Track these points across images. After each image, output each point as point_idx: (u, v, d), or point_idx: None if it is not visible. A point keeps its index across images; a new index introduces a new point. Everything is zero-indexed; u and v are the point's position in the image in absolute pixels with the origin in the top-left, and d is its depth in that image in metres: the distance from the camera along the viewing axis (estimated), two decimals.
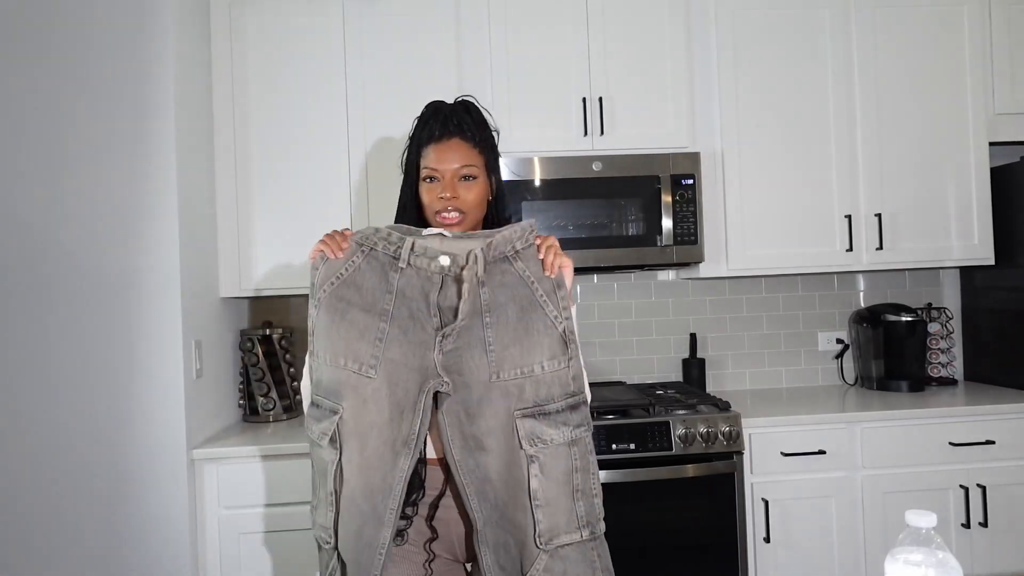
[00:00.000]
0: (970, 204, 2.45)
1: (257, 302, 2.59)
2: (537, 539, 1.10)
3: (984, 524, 2.15)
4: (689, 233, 2.30)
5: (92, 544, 1.91)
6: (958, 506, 2.16)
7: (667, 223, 2.29)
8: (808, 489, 2.14)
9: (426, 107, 1.32)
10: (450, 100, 1.35)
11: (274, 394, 2.37)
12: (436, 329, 1.12)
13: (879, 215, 2.42)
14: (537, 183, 2.26)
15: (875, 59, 2.44)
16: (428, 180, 1.28)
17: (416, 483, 1.21)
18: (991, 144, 2.49)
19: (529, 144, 2.31)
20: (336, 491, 1.13)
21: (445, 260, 1.13)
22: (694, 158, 2.32)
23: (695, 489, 2.06)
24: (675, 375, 2.71)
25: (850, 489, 2.15)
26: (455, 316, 1.11)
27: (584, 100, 2.33)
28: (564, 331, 1.14)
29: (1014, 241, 2.45)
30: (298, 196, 2.30)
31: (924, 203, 2.44)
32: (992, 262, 2.46)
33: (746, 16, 2.42)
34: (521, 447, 1.10)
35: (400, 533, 1.22)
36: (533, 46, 2.35)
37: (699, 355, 2.69)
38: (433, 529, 1.24)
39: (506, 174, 2.25)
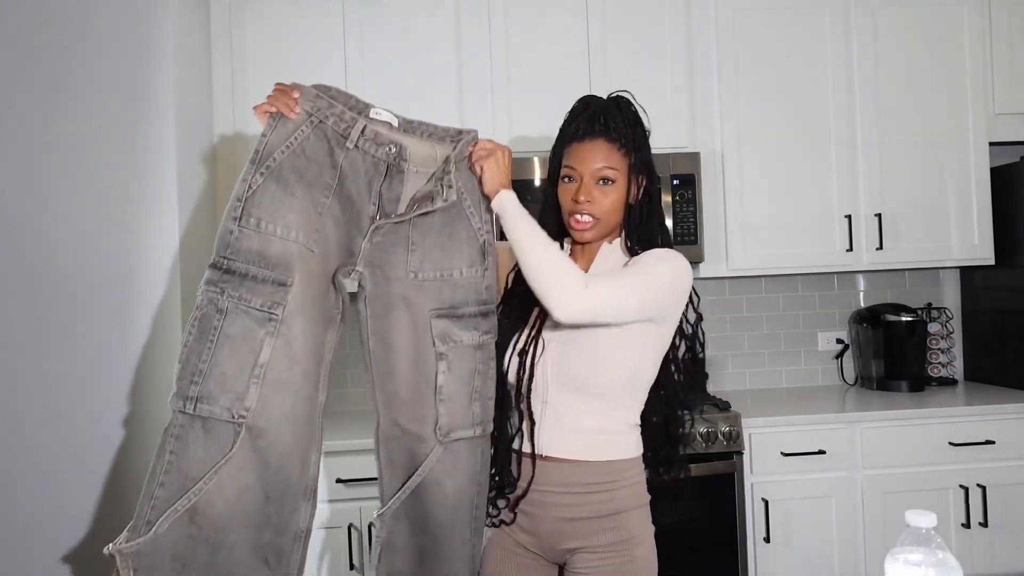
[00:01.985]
0: (970, 204, 2.45)
1: None
2: (437, 431, 1.18)
3: (984, 524, 2.15)
4: (689, 233, 2.30)
5: (92, 544, 1.91)
6: (958, 506, 2.16)
7: (667, 223, 2.29)
8: (808, 489, 2.14)
9: (578, 101, 1.29)
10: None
11: None
12: (371, 218, 1.18)
13: (879, 215, 2.42)
14: (536, 183, 2.26)
15: (875, 59, 2.44)
16: (566, 180, 1.26)
17: (507, 475, 1.24)
18: (991, 144, 2.49)
19: (529, 144, 2.31)
20: (265, 364, 1.10)
21: (392, 148, 1.17)
22: (694, 158, 2.32)
23: (695, 489, 2.05)
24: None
25: (850, 489, 2.15)
26: (396, 208, 1.17)
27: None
28: (484, 243, 1.21)
29: (1014, 241, 2.45)
30: None
31: (924, 203, 2.44)
32: (992, 262, 2.46)
33: (746, 16, 2.42)
34: (433, 344, 1.16)
35: (493, 519, 1.28)
36: (533, 45, 2.35)
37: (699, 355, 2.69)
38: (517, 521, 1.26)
39: None
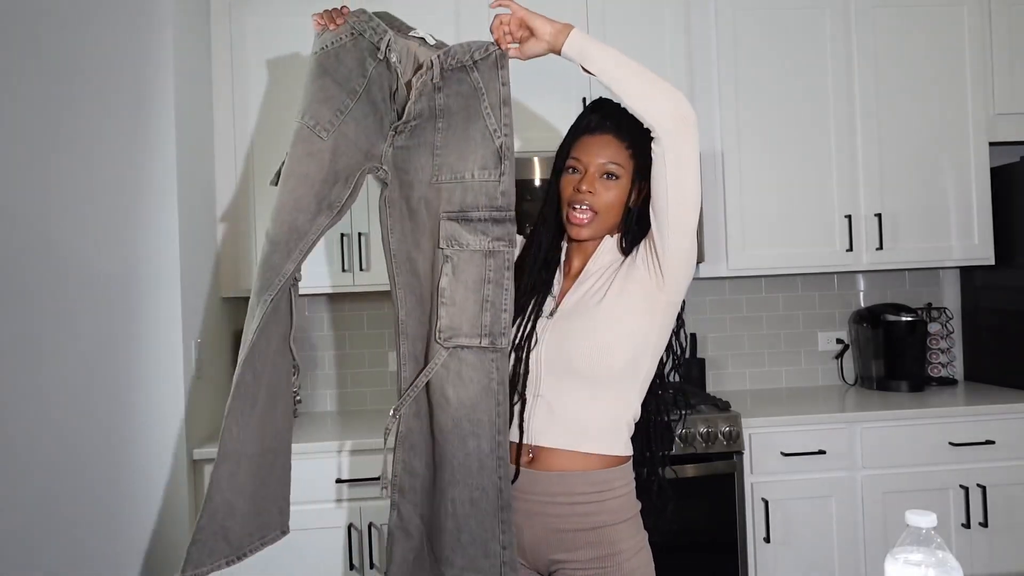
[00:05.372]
0: (970, 204, 2.45)
1: None
2: (437, 334, 1.17)
3: (984, 524, 2.15)
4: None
5: (92, 544, 1.91)
6: (958, 506, 2.16)
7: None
8: (808, 489, 2.14)
9: (592, 102, 1.31)
10: None
11: None
12: (391, 123, 1.20)
13: (879, 215, 2.42)
14: (537, 183, 2.26)
15: (875, 59, 2.44)
16: (570, 171, 1.25)
17: None
18: (991, 144, 2.49)
19: (529, 144, 2.31)
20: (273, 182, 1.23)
21: (393, 57, 1.20)
22: None
23: (695, 489, 2.06)
24: (675, 375, 2.71)
25: (850, 489, 2.15)
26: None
27: (584, 100, 2.32)
28: (501, 146, 1.18)
29: (1014, 241, 2.45)
30: None
31: (924, 203, 2.44)
32: (992, 262, 2.46)
33: (746, 16, 2.42)
34: (440, 247, 1.17)
35: None
36: None
37: (699, 355, 2.69)
38: None
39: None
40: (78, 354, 1.91)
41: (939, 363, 2.71)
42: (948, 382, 2.63)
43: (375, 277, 2.31)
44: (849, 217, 2.42)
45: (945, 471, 2.17)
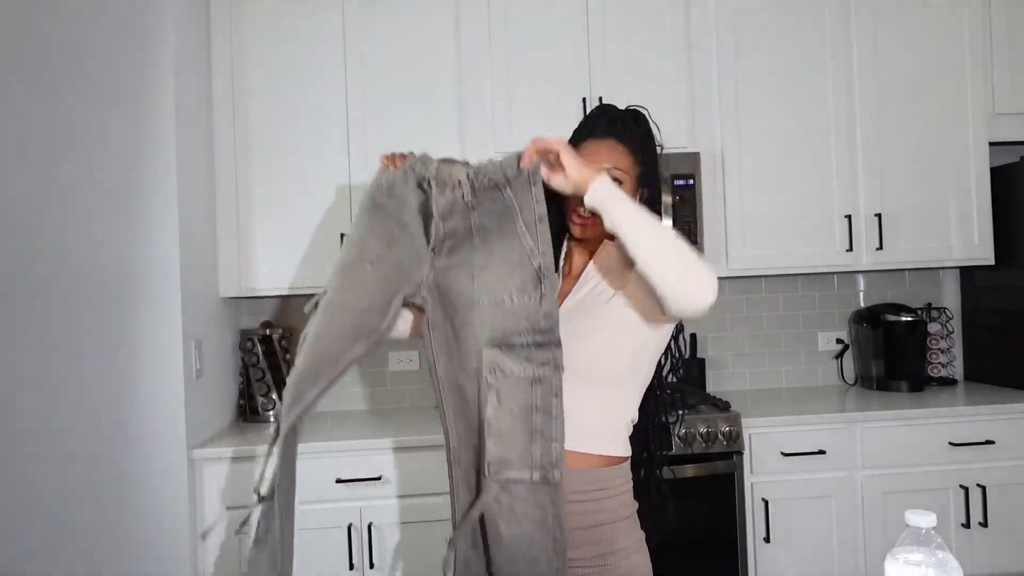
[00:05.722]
0: (970, 204, 2.45)
1: (257, 302, 2.59)
2: (487, 467, 1.10)
3: (984, 524, 2.15)
4: (689, 233, 2.30)
5: (92, 544, 1.91)
6: (958, 506, 2.16)
7: (667, 223, 2.29)
8: (808, 489, 2.14)
9: (596, 107, 1.31)
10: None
11: (274, 394, 2.37)
12: (432, 248, 1.18)
13: (879, 215, 2.42)
14: None
15: (875, 59, 2.44)
16: None
17: None
18: (991, 144, 2.49)
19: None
20: (301, 344, 1.23)
21: (435, 183, 1.18)
22: (694, 158, 2.32)
23: (695, 489, 2.06)
24: (672, 376, 2.71)
25: (850, 489, 2.15)
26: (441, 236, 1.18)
27: (584, 100, 2.33)
28: (539, 266, 1.11)
29: (1014, 241, 2.45)
30: (298, 195, 2.30)
31: (924, 203, 2.44)
32: (992, 262, 2.46)
33: (746, 16, 2.42)
34: (484, 375, 1.11)
35: None
36: (533, 44, 2.35)
37: (699, 355, 2.69)
38: None
39: None
40: (78, 354, 1.91)
41: (939, 363, 2.71)
42: (948, 382, 2.63)
43: None
44: (849, 217, 2.42)
45: (945, 471, 2.17)
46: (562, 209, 1.28)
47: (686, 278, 1.03)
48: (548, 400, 1.11)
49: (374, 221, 1.21)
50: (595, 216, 1.21)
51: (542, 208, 1.11)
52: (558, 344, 1.11)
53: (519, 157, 1.12)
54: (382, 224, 1.20)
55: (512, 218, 1.12)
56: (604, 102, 2.29)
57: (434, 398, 1.22)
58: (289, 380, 1.21)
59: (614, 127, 1.25)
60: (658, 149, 1.29)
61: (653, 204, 1.28)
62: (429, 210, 1.18)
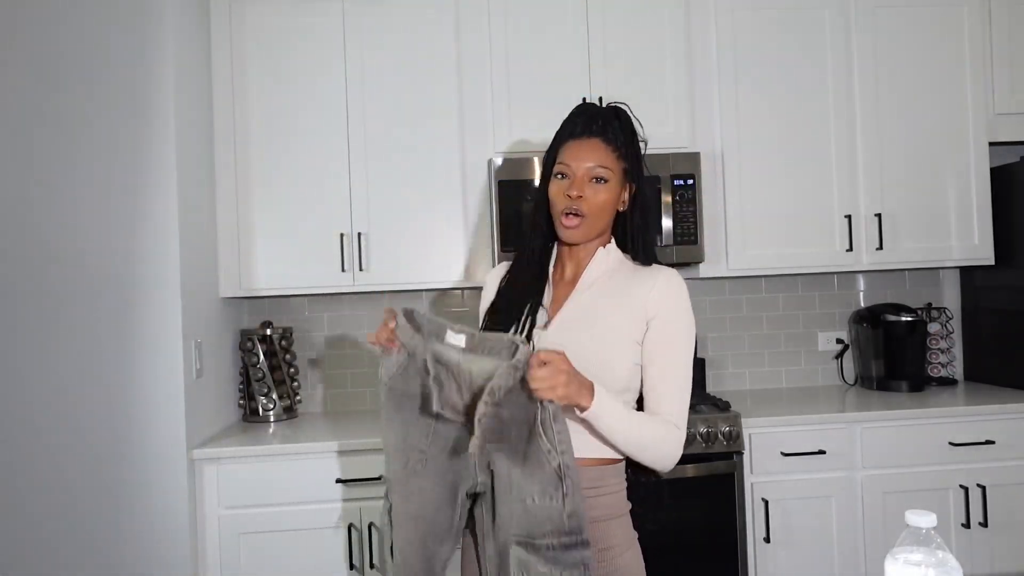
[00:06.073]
0: (970, 204, 2.45)
1: (257, 302, 2.59)
2: None
3: (984, 524, 2.15)
4: (689, 233, 2.30)
5: (93, 544, 1.91)
6: (958, 506, 2.16)
7: (667, 223, 2.29)
8: (808, 489, 2.14)
9: (577, 106, 1.30)
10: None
11: (274, 394, 2.37)
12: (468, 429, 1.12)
13: (879, 215, 2.42)
14: (537, 182, 2.25)
15: (875, 59, 2.44)
16: (559, 176, 1.24)
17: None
18: (991, 144, 2.49)
19: (529, 145, 2.31)
20: (391, 558, 1.20)
21: (450, 388, 1.13)
22: (694, 158, 2.32)
23: (695, 489, 2.06)
24: None
25: (850, 489, 2.15)
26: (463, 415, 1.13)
27: (584, 100, 2.32)
28: (558, 466, 1.07)
29: (1014, 241, 2.45)
30: (298, 195, 2.30)
31: (924, 203, 2.44)
32: (992, 262, 2.46)
33: (746, 16, 2.42)
34: (511, 572, 1.08)
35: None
36: (533, 44, 2.35)
37: (699, 355, 2.69)
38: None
39: (506, 172, 2.25)
40: (78, 354, 1.91)
41: (939, 363, 2.71)
42: (948, 382, 2.63)
43: (374, 277, 2.31)
44: (849, 217, 2.42)
45: (945, 471, 2.17)
46: (550, 218, 1.28)
47: (656, 462, 1.18)
48: None
49: (405, 416, 1.16)
50: (581, 218, 1.22)
51: (556, 407, 1.08)
52: (586, 544, 1.08)
53: (517, 370, 1.05)
54: (411, 416, 1.16)
55: (533, 413, 1.08)
56: (602, 101, 2.31)
57: None
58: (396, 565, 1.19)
59: (595, 125, 1.24)
60: (641, 145, 1.28)
61: (645, 203, 1.28)
62: (446, 388, 1.13)
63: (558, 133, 1.28)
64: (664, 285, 1.22)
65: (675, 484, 2.04)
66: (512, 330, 1.24)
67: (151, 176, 1.96)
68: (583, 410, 1.09)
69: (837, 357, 2.75)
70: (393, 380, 1.16)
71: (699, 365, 2.63)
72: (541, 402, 1.06)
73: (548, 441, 1.08)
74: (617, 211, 1.27)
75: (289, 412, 2.42)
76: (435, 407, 1.13)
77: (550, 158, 1.28)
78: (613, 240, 1.29)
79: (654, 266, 1.27)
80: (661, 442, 1.15)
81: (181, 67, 2.03)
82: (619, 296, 1.22)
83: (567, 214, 1.22)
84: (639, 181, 1.27)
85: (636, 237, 1.28)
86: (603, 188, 1.22)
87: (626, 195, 1.26)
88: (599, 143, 1.23)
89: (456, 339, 1.15)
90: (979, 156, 2.45)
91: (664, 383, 1.19)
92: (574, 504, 1.07)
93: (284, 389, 2.41)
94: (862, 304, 2.76)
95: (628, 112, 1.28)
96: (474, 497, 1.17)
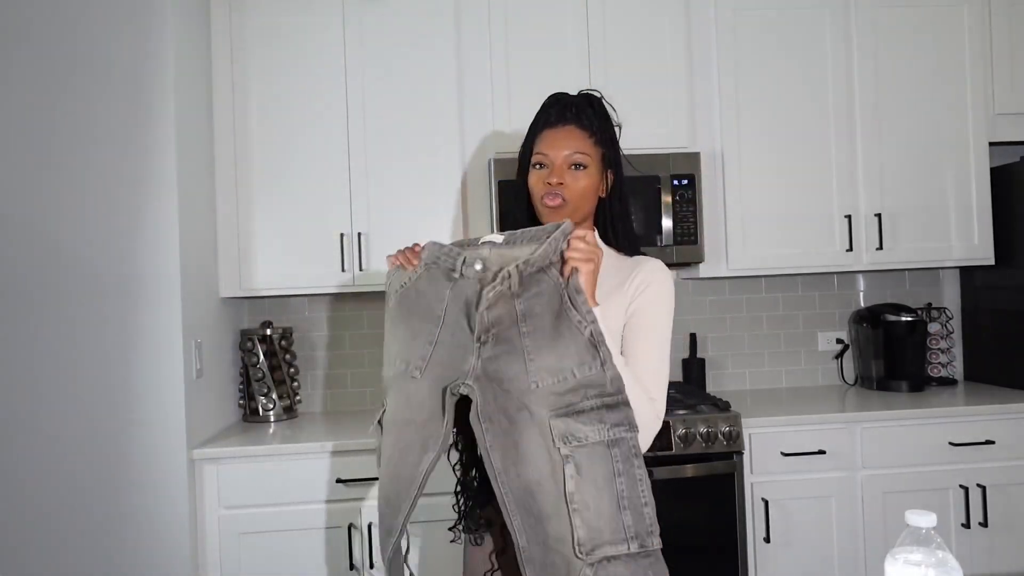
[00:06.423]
0: (970, 204, 2.45)
1: (257, 302, 2.59)
2: (577, 548, 1.00)
3: (984, 524, 2.15)
4: (689, 233, 2.30)
5: (92, 544, 1.91)
6: (958, 506, 2.17)
7: (667, 223, 2.30)
8: (808, 489, 2.14)
9: (549, 96, 1.29)
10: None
11: (274, 394, 2.37)
12: (476, 336, 1.11)
13: (879, 215, 2.42)
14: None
15: (875, 59, 2.44)
16: (537, 167, 1.24)
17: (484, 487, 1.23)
18: (991, 144, 2.49)
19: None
20: (378, 467, 1.21)
21: (479, 265, 1.13)
22: (694, 158, 2.32)
23: (695, 489, 2.06)
24: (675, 375, 2.71)
25: (850, 489, 2.15)
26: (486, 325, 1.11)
27: None
28: (591, 334, 1.08)
29: (1014, 241, 2.45)
30: (298, 196, 2.30)
31: (924, 203, 2.44)
32: (992, 262, 2.46)
33: (746, 16, 2.42)
34: (556, 447, 1.04)
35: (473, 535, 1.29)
36: (533, 44, 2.35)
37: (699, 355, 2.69)
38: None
39: (506, 173, 2.25)
40: (78, 354, 1.91)
41: (939, 363, 2.71)
42: (948, 382, 2.63)
43: (374, 277, 2.31)
44: (849, 217, 2.42)
45: (945, 471, 2.17)
46: (531, 209, 1.27)
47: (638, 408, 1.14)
48: (629, 462, 1.05)
49: (409, 328, 1.17)
50: (564, 200, 1.22)
51: (576, 278, 1.09)
52: (627, 403, 1.08)
53: (558, 240, 1.08)
54: (417, 328, 1.16)
55: (559, 296, 1.09)
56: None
57: (497, 499, 1.12)
58: (378, 509, 1.19)
59: (570, 113, 1.24)
60: (616, 129, 1.28)
61: (624, 191, 1.28)
62: (468, 299, 1.13)
63: (532, 124, 1.28)
64: (647, 272, 1.22)
65: (675, 484, 2.04)
66: None
67: (151, 176, 1.96)
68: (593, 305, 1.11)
69: (837, 357, 2.75)
70: (404, 293, 1.18)
71: (699, 365, 2.63)
72: (568, 279, 1.08)
73: (578, 312, 1.08)
74: (599, 198, 1.27)
75: (289, 412, 2.42)
76: (458, 273, 1.14)
77: (526, 150, 1.28)
78: (596, 230, 1.29)
79: (637, 256, 1.27)
80: (636, 399, 1.12)
81: (181, 67, 2.03)
82: (603, 286, 1.21)
83: (548, 195, 1.22)
84: (617, 167, 1.27)
85: (616, 224, 1.28)
86: (583, 174, 1.22)
87: (606, 182, 1.26)
88: (575, 129, 1.23)
89: (494, 238, 1.16)
90: (979, 156, 2.45)
91: (640, 363, 1.19)
92: (613, 369, 1.08)
93: (284, 389, 2.41)
94: (862, 304, 2.76)
95: (601, 97, 1.28)
96: (465, 405, 1.14)
